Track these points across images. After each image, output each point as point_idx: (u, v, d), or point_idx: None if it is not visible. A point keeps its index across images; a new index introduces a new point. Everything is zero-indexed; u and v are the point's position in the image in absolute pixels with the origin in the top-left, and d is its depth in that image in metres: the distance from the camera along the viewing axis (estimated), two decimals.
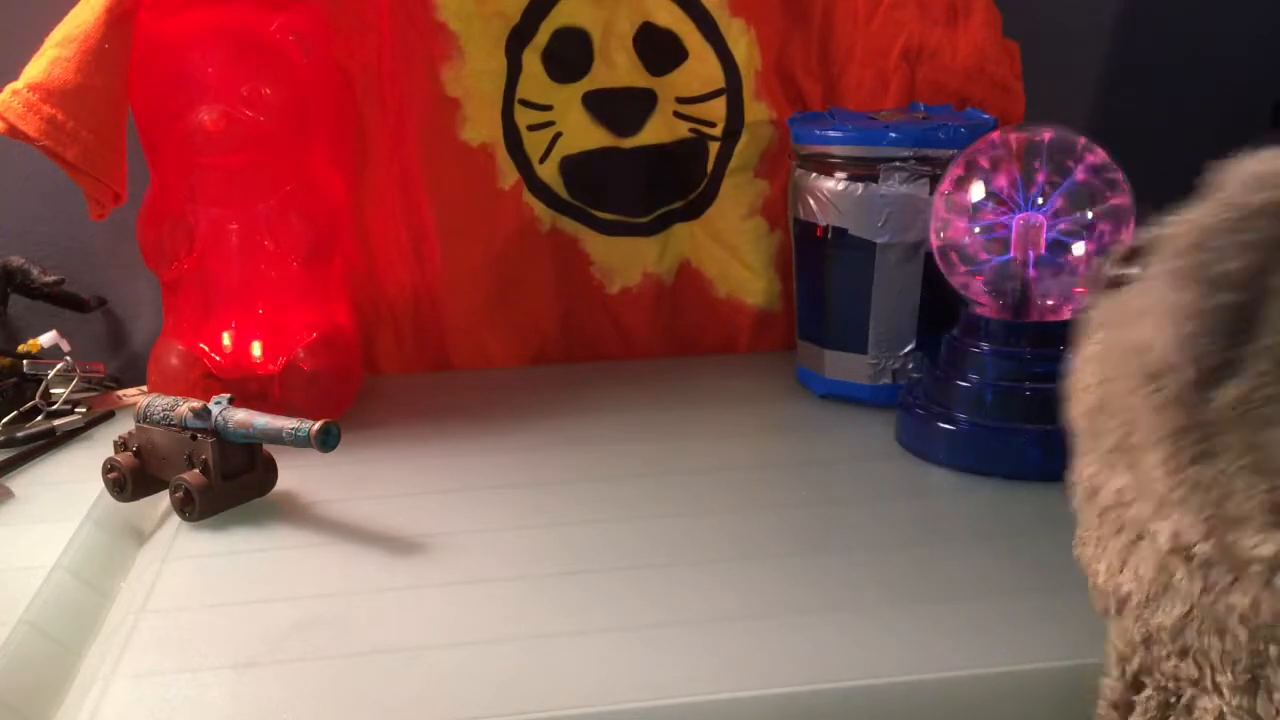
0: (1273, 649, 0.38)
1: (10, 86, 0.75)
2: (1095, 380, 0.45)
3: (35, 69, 0.75)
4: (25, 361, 0.89)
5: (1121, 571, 0.42)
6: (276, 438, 0.67)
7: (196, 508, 0.68)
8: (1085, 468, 0.45)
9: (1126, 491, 0.43)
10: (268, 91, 0.79)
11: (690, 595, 0.59)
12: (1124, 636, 0.42)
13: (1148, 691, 0.42)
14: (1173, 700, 0.42)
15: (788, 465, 0.78)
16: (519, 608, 0.59)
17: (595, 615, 0.58)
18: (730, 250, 1.01)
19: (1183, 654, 0.40)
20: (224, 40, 0.79)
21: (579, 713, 0.50)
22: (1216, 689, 0.39)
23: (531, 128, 0.98)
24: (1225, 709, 0.39)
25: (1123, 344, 0.45)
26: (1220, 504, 0.40)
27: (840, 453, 0.79)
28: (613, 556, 0.64)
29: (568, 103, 0.98)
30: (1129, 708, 0.43)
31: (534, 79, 0.97)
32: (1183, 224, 0.42)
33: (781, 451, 0.81)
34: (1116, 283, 0.47)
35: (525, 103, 0.97)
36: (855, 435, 0.82)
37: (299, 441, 0.66)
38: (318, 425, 0.66)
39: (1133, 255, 0.45)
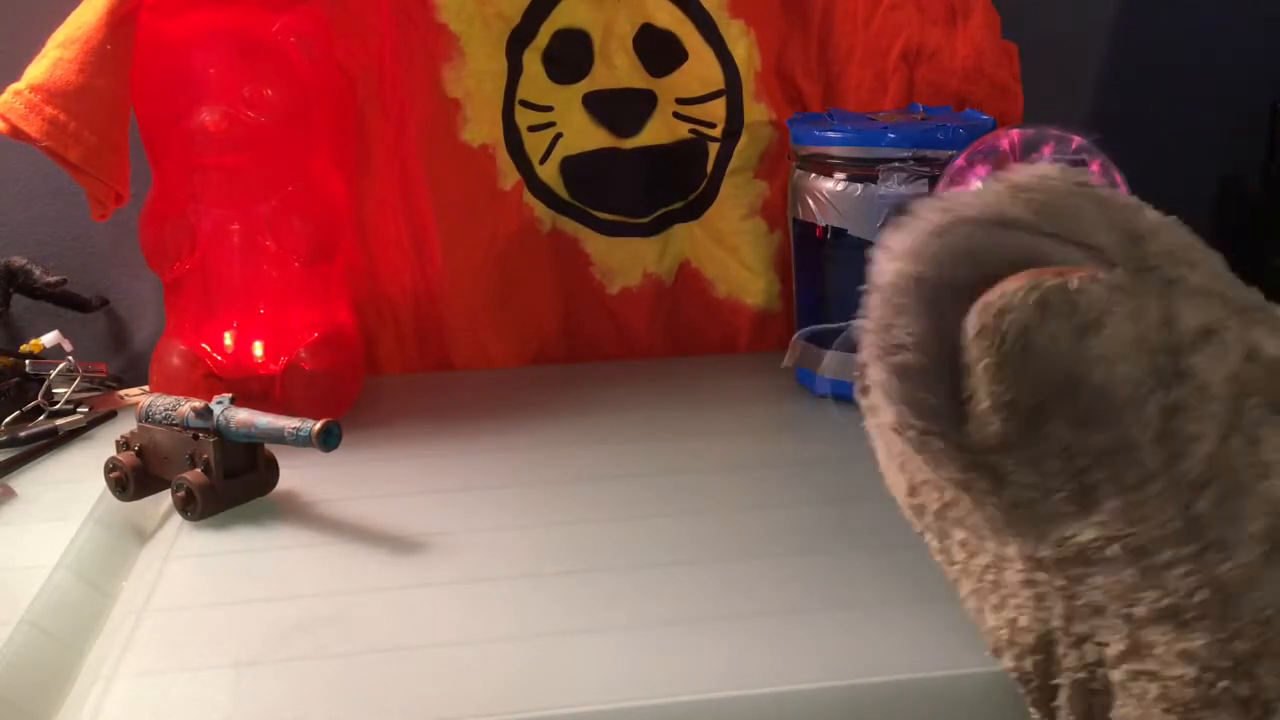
0: None
1: (12, 87, 0.75)
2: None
3: (37, 70, 0.75)
4: (28, 361, 0.89)
5: None
6: (278, 437, 0.68)
7: (198, 507, 0.68)
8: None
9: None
10: (269, 92, 0.79)
11: (690, 594, 0.60)
12: None
13: None
14: None
15: (788, 465, 0.78)
16: (520, 607, 0.59)
17: (596, 614, 0.58)
18: (730, 250, 1.01)
19: None
20: (226, 41, 0.79)
21: (580, 711, 0.50)
22: None
23: (532, 128, 0.98)
24: None
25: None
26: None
27: (840, 452, 0.79)
28: (613, 555, 0.64)
29: (568, 104, 0.98)
30: None
31: (534, 80, 0.97)
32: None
33: (781, 451, 0.81)
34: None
35: (526, 103, 0.97)
36: (855, 435, 0.82)
37: (300, 441, 0.67)
38: (319, 425, 0.66)
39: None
